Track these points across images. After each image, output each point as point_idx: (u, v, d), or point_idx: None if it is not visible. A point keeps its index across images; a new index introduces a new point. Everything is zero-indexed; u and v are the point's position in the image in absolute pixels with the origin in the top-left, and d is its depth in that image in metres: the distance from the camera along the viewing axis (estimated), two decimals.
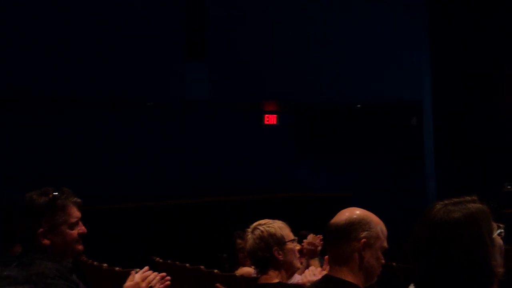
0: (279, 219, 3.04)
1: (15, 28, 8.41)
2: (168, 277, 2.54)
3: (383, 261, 2.17)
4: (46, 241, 2.37)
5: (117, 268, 4.57)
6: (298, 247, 3.01)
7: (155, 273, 2.49)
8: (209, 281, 4.66)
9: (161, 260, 6.36)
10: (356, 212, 2.19)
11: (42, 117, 9.25)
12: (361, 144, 10.68)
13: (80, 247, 2.47)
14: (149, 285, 2.44)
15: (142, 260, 6.97)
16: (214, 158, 10.14)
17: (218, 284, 2.66)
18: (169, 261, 6.31)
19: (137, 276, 2.47)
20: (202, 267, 5.20)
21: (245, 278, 4.30)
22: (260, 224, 2.94)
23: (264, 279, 2.85)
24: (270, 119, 10.79)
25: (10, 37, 8.37)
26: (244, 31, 9.83)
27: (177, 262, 6.04)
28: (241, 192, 9.89)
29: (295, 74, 9.80)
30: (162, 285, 2.49)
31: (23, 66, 8.44)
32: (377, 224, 2.18)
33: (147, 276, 2.47)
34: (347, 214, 2.18)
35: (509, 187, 8.95)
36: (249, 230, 2.95)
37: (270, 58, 9.77)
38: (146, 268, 2.56)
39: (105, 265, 5.04)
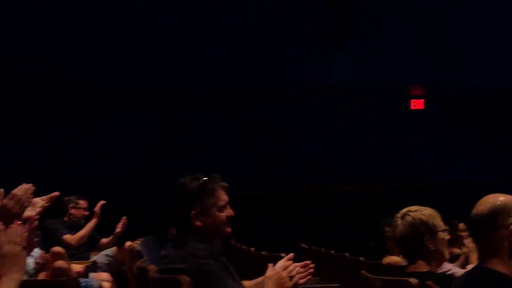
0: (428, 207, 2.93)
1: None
2: (312, 265, 2.56)
3: None
4: (198, 223, 2.50)
5: (263, 253, 4.69)
6: (448, 237, 2.88)
7: (296, 264, 2.51)
8: (354, 269, 4.62)
9: (306, 246, 6.42)
10: (499, 198, 2.07)
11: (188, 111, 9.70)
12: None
13: (229, 229, 2.58)
14: (290, 275, 2.48)
15: (288, 245, 7.12)
16: (359, 145, 10.00)
17: (363, 271, 2.63)
18: (314, 247, 6.35)
19: (278, 265, 2.50)
20: (347, 254, 5.16)
21: (392, 266, 4.22)
22: (410, 211, 2.83)
23: (412, 268, 2.76)
24: (417, 104, 10.41)
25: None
26: (388, 14, 9.56)
27: (322, 249, 6.06)
28: (387, 180, 9.69)
29: (442, 56, 9.37)
30: (304, 273, 2.51)
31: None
32: None
33: (288, 266, 2.49)
34: (490, 201, 2.07)
35: None
36: (399, 216, 2.84)
37: (416, 40, 9.42)
38: (291, 255, 2.58)
39: (252, 249, 5.20)
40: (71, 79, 9.05)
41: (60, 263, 3.91)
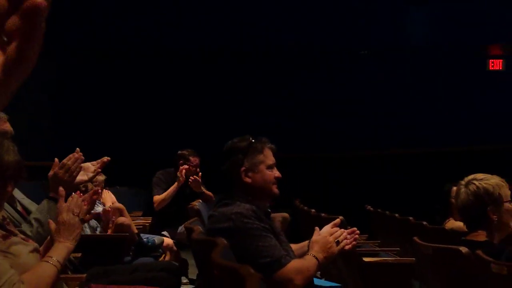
0: (496, 173, 2.79)
1: None
2: (358, 231, 2.55)
3: None
4: (248, 179, 2.56)
5: (323, 214, 4.65)
6: None
7: (343, 230, 2.52)
8: (417, 233, 4.53)
9: (372, 209, 6.35)
10: None
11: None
12: None
13: (276, 190, 2.61)
14: (336, 240, 2.47)
15: (355, 207, 7.03)
16: (434, 106, 9.67)
17: (415, 238, 2.56)
18: (379, 210, 6.26)
19: (324, 230, 2.53)
20: (411, 218, 5.06)
21: (454, 232, 4.10)
22: (475, 179, 2.70)
23: (471, 236, 2.67)
24: (496, 65, 9.93)
25: None
26: None
27: (387, 212, 5.97)
28: (460, 143, 9.37)
29: None
30: (350, 240, 2.50)
31: None
32: None
33: (335, 232, 2.50)
34: None
35: None
36: (463, 183, 2.73)
37: None
38: (337, 221, 2.60)
39: (313, 210, 5.19)
40: None
41: (122, 219, 4.02)
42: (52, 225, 2.04)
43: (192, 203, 4.88)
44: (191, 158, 5.62)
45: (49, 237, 2.11)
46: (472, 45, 9.62)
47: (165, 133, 9.09)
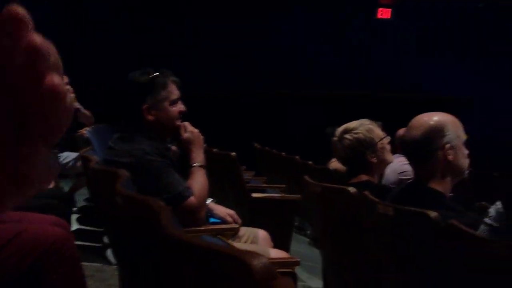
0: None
1: None
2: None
3: None
4: (150, 117, 2.48)
5: (215, 150, 4.70)
6: (387, 140, 2.91)
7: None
8: (302, 171, 4.69)
9: (259, 146, 6.46)
10: (433, 119, 2.13)
11: None
12: (487, 42, 9.88)
13: (179, 124, 2.56)
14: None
15: (244, 144, 7.12)
16: (336, 49, 9.73)
17: (305, 176, 2.65)
18: (266, 148, 6.38)
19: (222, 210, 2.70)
20: (297, 157, 5.20)
21: (337, 172, 4.28)
22: (346, 131, 2.83)
23: (354, 180, 2.82)
24: (384, 13, 10.16)
25: None
26: None
27: (274, 150, 6.09)
28: (355, 86, 9.64)
29: None
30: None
31: None
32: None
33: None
34: (423, 124, 2.13)
35: None
36: (336, 139, 2.86)
37: None
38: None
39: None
40: None
41: None
42: None
43: (81, 130, 4.66)
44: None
45: None
46: None
47: None
